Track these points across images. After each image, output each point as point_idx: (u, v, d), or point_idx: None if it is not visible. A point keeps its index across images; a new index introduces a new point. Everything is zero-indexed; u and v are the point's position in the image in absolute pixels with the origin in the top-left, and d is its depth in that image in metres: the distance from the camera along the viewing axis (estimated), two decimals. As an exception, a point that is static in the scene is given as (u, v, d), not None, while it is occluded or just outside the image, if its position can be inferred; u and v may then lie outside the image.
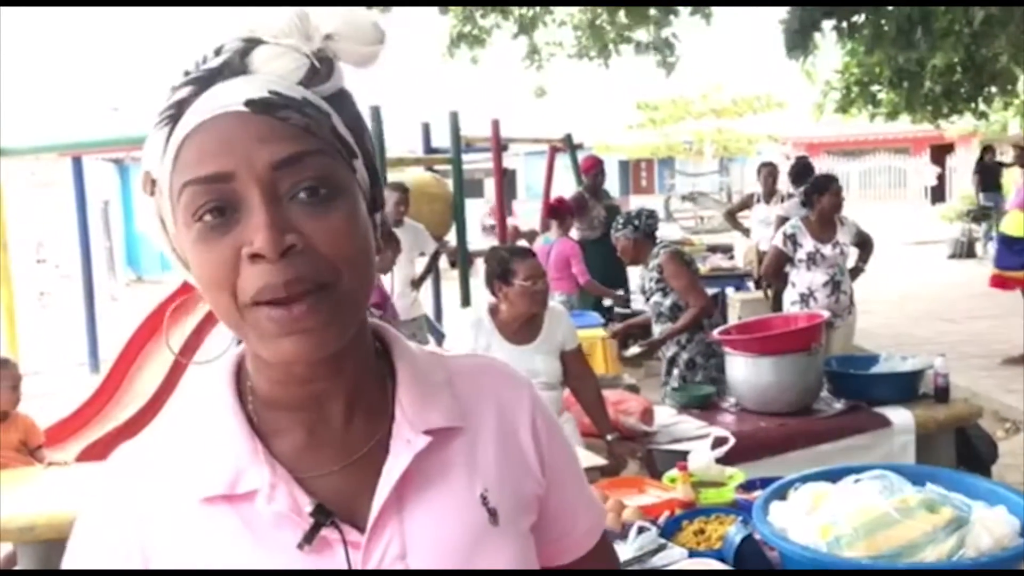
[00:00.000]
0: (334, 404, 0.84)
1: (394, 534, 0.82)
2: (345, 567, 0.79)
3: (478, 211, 8.47)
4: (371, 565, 0.80)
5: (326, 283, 0.75)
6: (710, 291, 7.22)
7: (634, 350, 5.40)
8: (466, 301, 6.63)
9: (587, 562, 1.02)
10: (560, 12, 8.80)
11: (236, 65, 0.78)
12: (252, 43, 0.79)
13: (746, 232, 8.50)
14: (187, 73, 0.79)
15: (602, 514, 1.07)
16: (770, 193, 7.98)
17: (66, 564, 0.84)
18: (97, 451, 4.78)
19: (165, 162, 0.78)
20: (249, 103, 0.75)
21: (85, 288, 8.25)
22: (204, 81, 0.78)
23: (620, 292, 6.89)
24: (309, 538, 0.79)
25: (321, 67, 0.80)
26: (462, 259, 7.27)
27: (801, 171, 7.39)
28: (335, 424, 0.85)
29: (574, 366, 3.64)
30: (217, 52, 0.79)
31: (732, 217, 8.79)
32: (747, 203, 8.58)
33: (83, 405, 5.74)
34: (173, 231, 0.81)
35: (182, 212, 0.77)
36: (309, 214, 0.75)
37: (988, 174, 14.94)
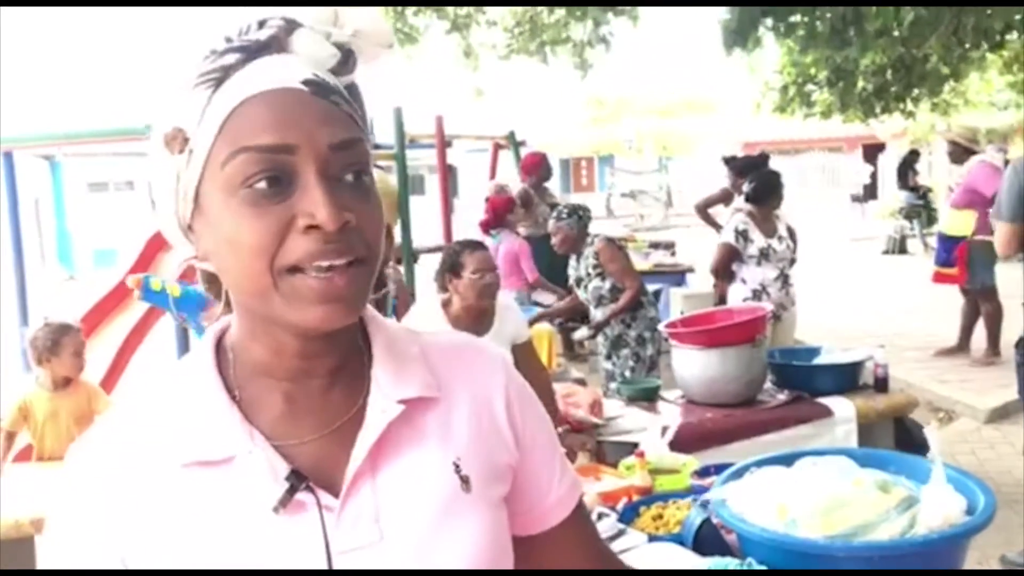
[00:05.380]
0: (318, 376, 0.88)
1: (367, 498, 0.85)
2: (319, 530, 0.82)
3: (422, 208, 8.48)
4: (344, 527, 0.83)
5: (363, 259, 0.81)
6: (653, 287, 7.26)
7: (583, 332, 5.48)
8: (412, 297, 6.60)
9: (561, 532, 1.02)
10: (492, 12, 8.75)
11: (282, 42, 0.81)
12: (293, 24, 0.82)
13: (719, 228, 6.65)
14: (229, 40, 0.81)
15: (576, 485, 1.06)
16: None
17: (49, 537, 0.85)
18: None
19: (206, 124, 0.79)
20: (308, 83, 0.79)
21: (18, 287, 8.03)
22: (251, 51, 0.80)
23: (565, 290, 6.82)
24: (284, 501, 0.82)
25: (349, 59, 0.84)
26: (407, 256, 7.22)
27: (751, 165, 6.44)
28: (315, 395, 0.88)
29: (525, 359, 3.65)
30: (261, 25, 0.82)
31: (704, 212, 7.53)
32: (723, 198, 7.13)
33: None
34: (190, 192, 0.82)
35: (226, 176, 0.78)
36: (355, 196, 0.80)
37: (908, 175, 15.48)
